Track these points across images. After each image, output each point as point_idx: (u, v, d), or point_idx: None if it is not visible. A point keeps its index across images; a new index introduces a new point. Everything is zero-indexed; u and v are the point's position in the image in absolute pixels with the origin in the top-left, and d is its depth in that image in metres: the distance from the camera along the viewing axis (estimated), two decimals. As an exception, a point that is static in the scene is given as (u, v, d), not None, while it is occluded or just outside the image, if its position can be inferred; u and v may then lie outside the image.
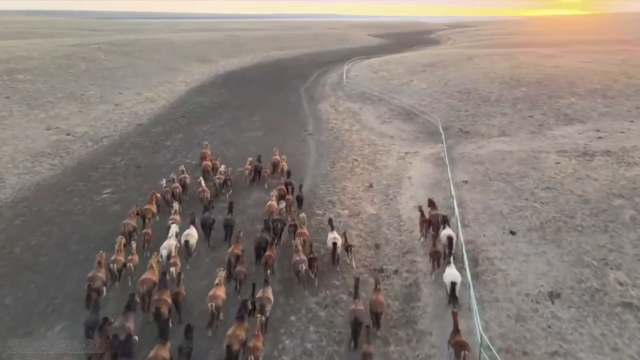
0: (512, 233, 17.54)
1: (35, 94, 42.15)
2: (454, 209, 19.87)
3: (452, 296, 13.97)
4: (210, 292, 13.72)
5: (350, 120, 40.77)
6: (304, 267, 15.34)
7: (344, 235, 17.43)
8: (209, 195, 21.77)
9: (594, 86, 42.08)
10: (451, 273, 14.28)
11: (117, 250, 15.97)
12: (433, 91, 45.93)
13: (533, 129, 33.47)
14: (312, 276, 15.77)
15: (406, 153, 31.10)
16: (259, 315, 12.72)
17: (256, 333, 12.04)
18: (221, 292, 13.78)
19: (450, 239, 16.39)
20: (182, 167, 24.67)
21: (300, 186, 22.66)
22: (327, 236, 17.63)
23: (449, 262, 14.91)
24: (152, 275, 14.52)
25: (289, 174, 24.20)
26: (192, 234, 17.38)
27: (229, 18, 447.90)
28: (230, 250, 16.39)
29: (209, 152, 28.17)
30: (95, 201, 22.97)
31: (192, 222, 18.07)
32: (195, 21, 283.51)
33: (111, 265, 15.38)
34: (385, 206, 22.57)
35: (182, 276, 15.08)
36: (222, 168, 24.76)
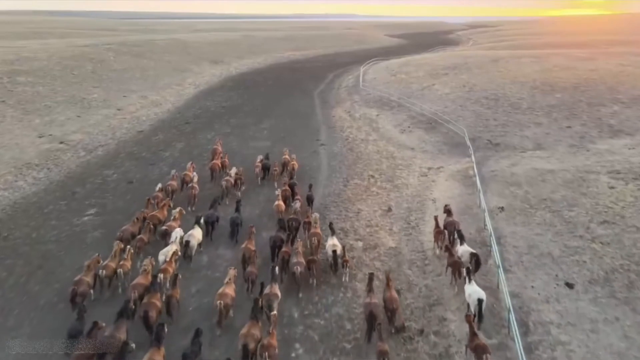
0: (569, 286, 14.01)
1: (34, 97, 39.88)
2: (490, 246, 16.45)
3: (479, 316, 12.80)
4: (220, 290, 13.69)
5: (367, 129, 37.42)
6: (299, 270, 15.03)
7: (342, 249, 16.48)
8: (197, 192, 21.79)
9: (638, 92, 38.00)
10: (475, 290, 13.31)
11: (112, 256, 15.42)
12: (457, 97, 42.25)
13: (573, 141, 29.72)
14: (311, 279, 15.48)
15: (429, 169, 27.65)
16: (273, 313, 12.74)
17: (270, 331, 12.00)
18: (230, 290, 13.76)
19: (473, 256, 15.23)
20: (190, 163, 24.74)
21: (310, 186, 22.38)
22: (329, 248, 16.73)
23: (469, 280, 13.74)
24: (144, 279, 14.18)
25: (291, 174, 24.40)
26: (194, 235, 17.04)
27: (248, 18, 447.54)
28: (244, 245, 16.31)
29: (220, 149, 27.72)
30: (74, 225, 20.15)
31: (197, 223, 17.78)
32: (214, 21, 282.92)
33: (100, 271, 14.77)
34: (407, 237, 19.21)
35: (180, 277, 14.45)
36: (234, 171, 24.06)
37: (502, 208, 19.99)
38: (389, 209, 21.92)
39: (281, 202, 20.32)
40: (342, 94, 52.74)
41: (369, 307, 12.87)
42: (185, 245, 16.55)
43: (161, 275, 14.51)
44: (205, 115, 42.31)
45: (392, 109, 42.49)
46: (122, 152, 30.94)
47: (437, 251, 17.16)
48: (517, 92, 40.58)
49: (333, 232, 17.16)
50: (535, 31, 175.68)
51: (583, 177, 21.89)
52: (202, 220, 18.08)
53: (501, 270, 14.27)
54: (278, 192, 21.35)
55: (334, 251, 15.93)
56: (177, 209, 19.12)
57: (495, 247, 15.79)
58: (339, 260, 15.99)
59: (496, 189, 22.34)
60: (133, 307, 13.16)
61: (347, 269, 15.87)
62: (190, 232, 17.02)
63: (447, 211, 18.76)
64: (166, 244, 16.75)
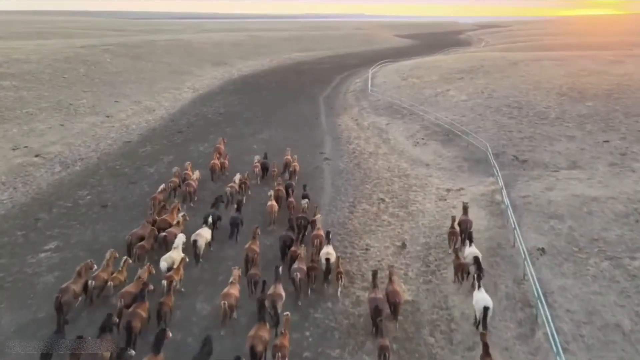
0: (656, 384, 10.45)
1: (15, 103, 36.80)
2: (536, 308, 12.84)
3: (484, 322, 12.33)
4: (224, 290, 13.68)
5: (376, 140, 33.87)
6: (298, 276, 14.71)
7: (337, 259, 15.78)
8: (192, 190, 21.82)
9: (680, 101, 33.99)
10: (483, 297, 12.92)
11: (104, 266, 14.62)
12: (475, 104, 38.51)
13: (614, 159, 25.93)
14: (311, 286, 15.20)
15: (448, 190, 24.05)
16: (286, 313, 12.69)
17: (282, 331, 11.92)
18: (235, 290, 13.70)
19: (477, 259, 14.89)
20: (188, 163, 24.67)
21: (304, 186, 22.28)
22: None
23: (478, 286, 13.44)
24: (134, 288, 13.54)
25: (291, 175, 24.69)
26: (202, 234, 16.80)
27: (256, 18, 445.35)
28: (247, 246, 16.08)
29: (222, 148, 27.66)
30: (26, 265, 16.83)
31: (205, 222, 17.75)
32: (222, 21, 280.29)
33: (90, 281, 13.95)
34: (426, 286, 15.64)
35: (177, 285, 14.32)
36: (238, 177, 23.18)
37: (543, 250, 16.35)
38: (403, 245, 18.37)
39: (274, 203, 20.22)
40: (349, 100, 49.26)
41: (374, 302, 13.23)
42: (193, 244, 16.37)
43: (165, 282, 13.91)
44: (200, 123, 39.04)
45: (404, 118, 38.88)
46: (102, 167, 27.70)
47: (450, 251, 16.98)
48: (542, 99, 36.75)
49: (329, 241, 16.65)
50: (550, 31, 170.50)
51: (638, 209, 18.17)
52: (209, 220, 17.96)
53: (561, 353, 10.61)
54: (271, 192, 21.18)
55: (327, 259, 15.61)
56: (181, 214, 18.71)
57: (546, 313, 12.13)
58: (332, 270, 15.54)
59: (532, 222, 18.67)
60: (117, 320, 12.32)
61: (342, 282, 15.19)
62: (198, 231, 16.84)
63: (464, 209, 18.67)
64: (165, 251, 16.10)
